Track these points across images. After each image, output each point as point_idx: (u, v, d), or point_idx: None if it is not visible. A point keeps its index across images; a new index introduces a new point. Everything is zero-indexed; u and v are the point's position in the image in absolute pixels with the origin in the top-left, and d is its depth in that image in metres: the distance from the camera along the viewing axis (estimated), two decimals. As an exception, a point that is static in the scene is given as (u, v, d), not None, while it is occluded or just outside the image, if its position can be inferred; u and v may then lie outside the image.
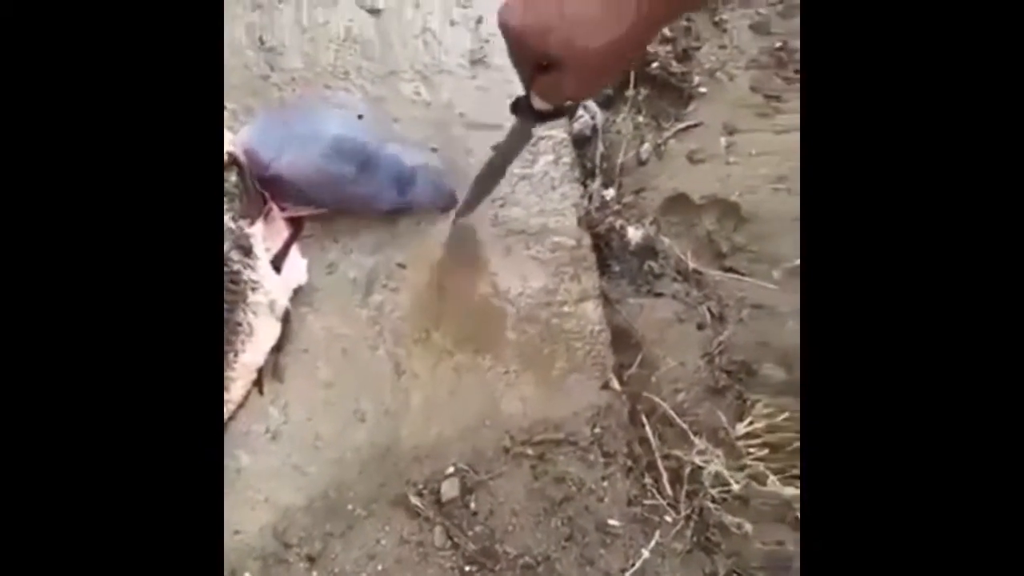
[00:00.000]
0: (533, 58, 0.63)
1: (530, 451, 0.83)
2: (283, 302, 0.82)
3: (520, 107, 0.71)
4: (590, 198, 1.02)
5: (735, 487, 0.82)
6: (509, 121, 0.97)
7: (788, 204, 1.08)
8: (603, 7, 0.59)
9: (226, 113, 0.90)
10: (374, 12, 1.00)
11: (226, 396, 0.79)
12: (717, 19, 1.20)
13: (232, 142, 0.83)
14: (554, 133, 1.00)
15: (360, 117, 0.91)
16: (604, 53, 0.60)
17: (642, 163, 1.10)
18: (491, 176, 0.85)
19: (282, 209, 0.86)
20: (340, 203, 0.87)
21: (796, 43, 1.20)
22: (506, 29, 0.62)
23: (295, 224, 0.84)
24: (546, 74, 0.64)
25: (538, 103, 0.68)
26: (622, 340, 0.96)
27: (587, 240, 0.96)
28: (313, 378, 0.83)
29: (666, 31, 1.16)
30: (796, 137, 1.13)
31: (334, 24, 0.99)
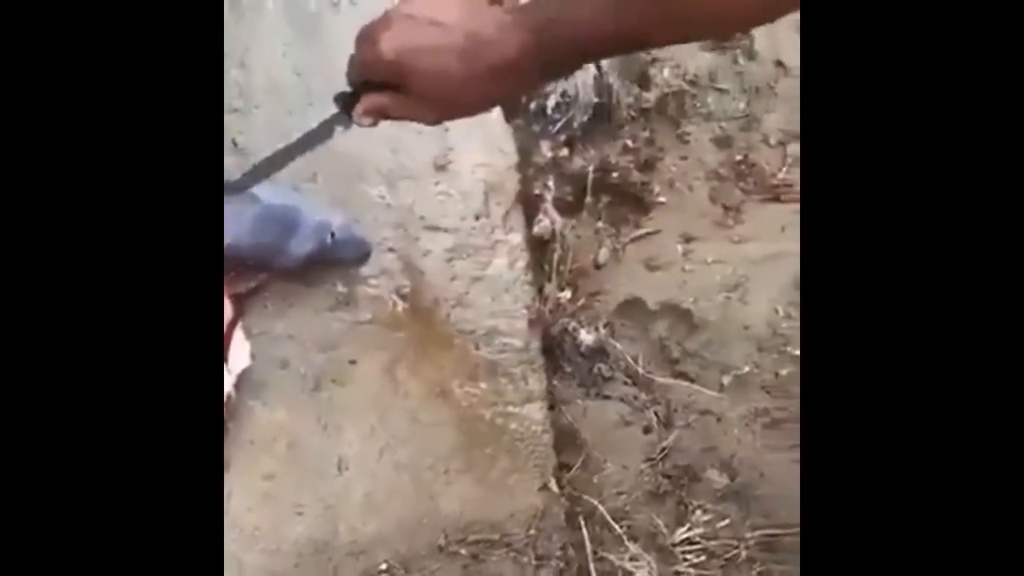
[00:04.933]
0: (382, 80, 0.74)
1: (464, 551, 0.85)
2: (227, 389, 0.85)
3: (343, 105, 0.80)
4: (545, 300, 1.06)
5: (660, 593, 0.83)
6: (465, 220, 1.03)
7: (740, 312, 1.12)
8: (467, 71, 0.70)
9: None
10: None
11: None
12: (680, 132, 1.26)
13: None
14: (510, 237, 1.04)
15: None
16: (455, 105, 0.75)
17: (599, 267, 1.14)
18: (282, 158, 0.88)
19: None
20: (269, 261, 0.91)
21: (756, 156, 1.26)
22: (372, 48, 0.72)
23: (236, 306, 0.88)
24: (380, 95, 0.75)
25: (364, 120, 0.78)
26: (566, 441, 0.98)
27: (536, 343, 0.99)
28: (256, 470, 0.85)
29: (629, 142, 1.21)
30: (751, 247, 1.18)
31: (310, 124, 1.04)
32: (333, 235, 0.93)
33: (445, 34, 0.70)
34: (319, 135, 0.85)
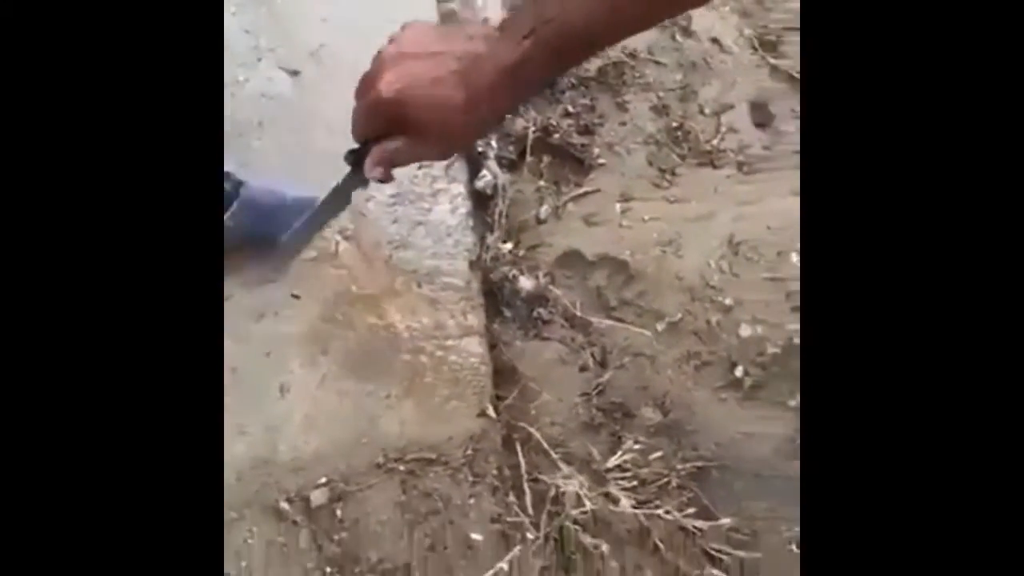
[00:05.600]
0: (389, 127, 0.72)
1: (402, 467, 0.88)
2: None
3: (353, 161, 0.79)
4: (487, 249, 1.09)
5: (589, 505, 0.86)
6: (407, 169, 1.07)
7: (674, 265, 1.16)
8: (466, 96, 0.69)
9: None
10: (293, 73, 1.10)
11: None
12: (620, 100, 1.31)
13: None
14: (452, 187, 1.08)
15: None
16: (464, 133, 0.74)
17: (541, 222, 1.18)
18: (307, 233, 0.89)
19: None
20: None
21: (692, 124, 1.32)
22: (373, 91, 0.71)
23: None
24: (389, 142, 0.73)
25: (375, 172, 0.75)
26: (506, 377, 1.02)
27: (476, 283, 1.03)
28: (200, 392, 0.88)
29: (569, 107, 1.26)
30: (686, 207, 1.23)
31: (253, 82, 1.08)
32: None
33: (439, 63, 0.69)
34: (339, 202, 0.84)
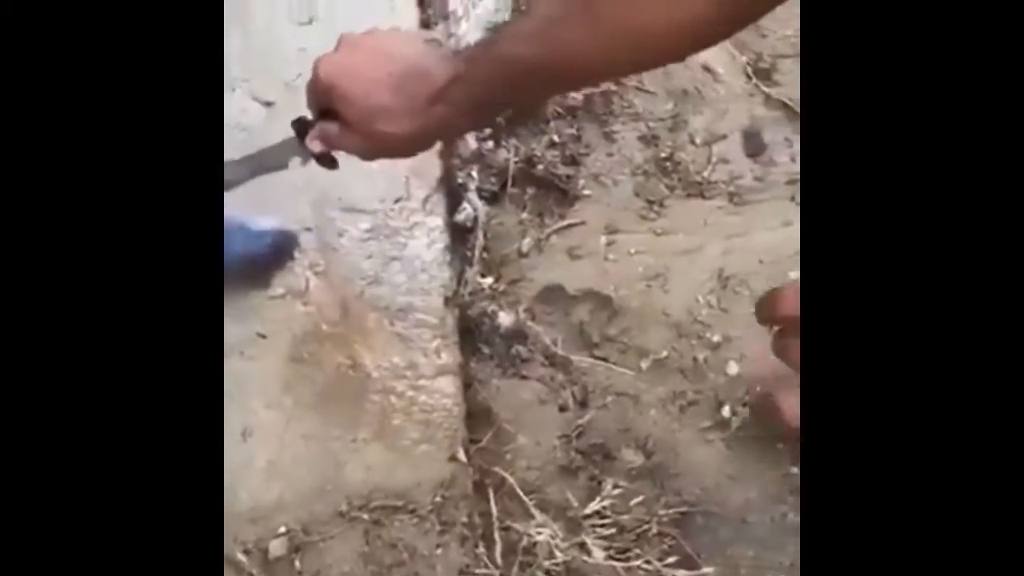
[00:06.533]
0: (323, 106, 0.72)
1: (366, 516, 0.84)
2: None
3: (299, 131, 0.77)
4: (465, 284, 1.06)
5: (560, 556, 0.83)
6: (384, 202, 1.05)
7: (660, 300, 1.13)
8: (396, 101, 0.68)
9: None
10: (267, 104, 1.08)
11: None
12: (607, 130, 1.28)
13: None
14: (429, 220, 1.05)
15: None
16: (384, 137, 0.70)
17: (523, 255, 1.15)
18: (251, 170, 0.83)
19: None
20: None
21: (682, 154, 1.28)
22: (315, 76, 0.71)
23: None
24: (330, 123, 0.73)
25: (314, 145, 0.75)
26: (480, 419, 0.98)
27: (451, 319, 0.99)
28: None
29: (555, 137, 1.24)
30: (674, 239, 1.20)
31: (226, 113, 1.05)
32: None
33: (381, 64, 0.68)
34: (275, 162, 0.81)
